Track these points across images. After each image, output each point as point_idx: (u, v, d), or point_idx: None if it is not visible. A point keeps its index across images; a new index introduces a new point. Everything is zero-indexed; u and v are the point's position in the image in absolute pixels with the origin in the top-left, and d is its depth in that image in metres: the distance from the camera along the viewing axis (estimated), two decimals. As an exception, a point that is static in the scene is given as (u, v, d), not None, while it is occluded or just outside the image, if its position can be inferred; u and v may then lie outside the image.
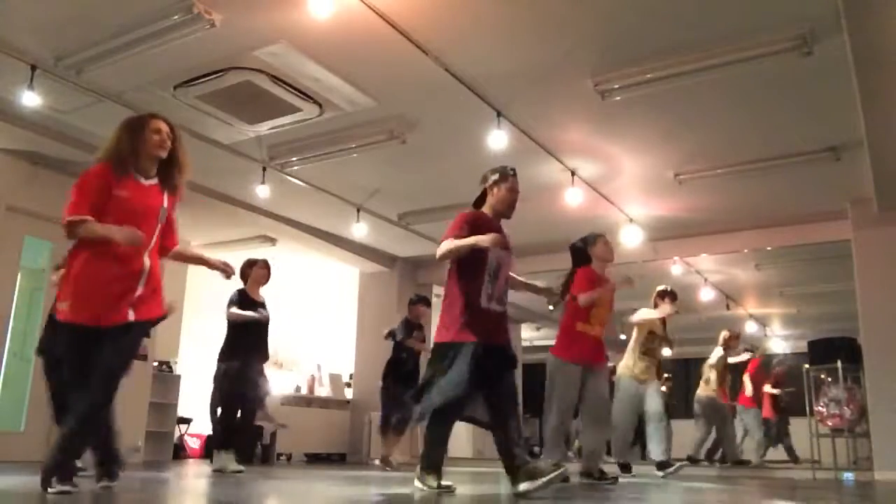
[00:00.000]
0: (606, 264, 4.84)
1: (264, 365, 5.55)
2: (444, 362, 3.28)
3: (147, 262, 3.02)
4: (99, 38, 4.48)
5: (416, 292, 7.27)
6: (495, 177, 3.57)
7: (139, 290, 2.97)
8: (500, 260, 3.44)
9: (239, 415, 5.40)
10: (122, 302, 2.93)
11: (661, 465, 5.73)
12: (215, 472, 5.11)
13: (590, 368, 4.64)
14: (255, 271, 5.62)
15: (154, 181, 3.10)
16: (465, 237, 3.33)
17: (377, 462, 6.93)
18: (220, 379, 5.36)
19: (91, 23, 4.36)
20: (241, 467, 5.26)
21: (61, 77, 4.89)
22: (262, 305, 5.60)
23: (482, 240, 3.26)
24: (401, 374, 6.53)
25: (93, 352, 2.89)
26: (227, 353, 5.43)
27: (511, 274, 3.65)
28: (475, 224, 3.40)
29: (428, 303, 6.85)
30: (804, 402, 7.08)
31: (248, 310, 5.46)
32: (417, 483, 3.42)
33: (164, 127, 3.09)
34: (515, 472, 3.27)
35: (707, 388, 7.82)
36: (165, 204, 3.13)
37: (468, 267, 3.40)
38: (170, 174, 3.13)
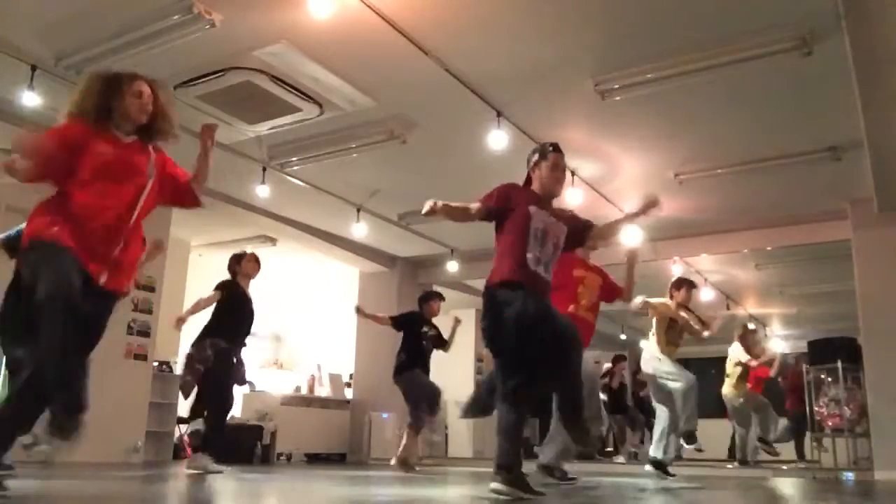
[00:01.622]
0: (590, 252, 4.78)
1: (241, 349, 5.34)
2: (497, 307, 3.13)
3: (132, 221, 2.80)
4: (99, 38, 4.48)
5: (426, 290, 7.03)
6: (535, 157, 3.47)
7: (116, 251, 2.75)
8: (547, 226, 3.31)
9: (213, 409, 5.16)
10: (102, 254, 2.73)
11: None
12: (196, 474, 4.86)
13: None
14: (245, 265, 5.43)
15: (133, 138, 2.87)
16: (491, 206, 3.27)
17: (392, 463, 6.45)
18: (204, 358, 5.09)
19: (91, 23, 4.36)
20: (221, 468, 5.00)
21: (61, 77, 4.89)
22: (250, 298, 5.42)
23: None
24: (422, 363, 6.29)
25: None
26: (213, 331, 5.18)
27: (604, 225, 3.61)
28: (507, 195, 3.31)
29: (442, 297, 6.63)
30: (804, 402, 7.09)
31: (242, 302, 5.29)
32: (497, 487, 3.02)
33: (147, 90, 2.86)
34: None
35: (727, 386, 7.79)
36: (153, 157, 2.90)
37: (512, 225, 3.27)
38: (153, 132, 2.91)
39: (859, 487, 5.27)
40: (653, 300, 5.60)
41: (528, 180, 3.49)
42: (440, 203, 3.12)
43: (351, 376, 9.66)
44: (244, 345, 5.38)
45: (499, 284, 3.17)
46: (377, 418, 8.82)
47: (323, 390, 9.54)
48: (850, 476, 6.41)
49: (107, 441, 6.30)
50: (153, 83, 2.93)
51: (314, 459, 8.72)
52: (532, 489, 3.04)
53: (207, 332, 5.23)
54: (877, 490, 5.00)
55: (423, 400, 6.18)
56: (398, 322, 6.50)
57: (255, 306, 5.51)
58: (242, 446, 7.61)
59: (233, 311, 5.28)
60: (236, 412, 8.43)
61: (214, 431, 5.14)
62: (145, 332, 6.88)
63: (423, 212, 3.14)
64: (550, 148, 3.46)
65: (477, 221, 3.33)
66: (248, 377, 5.60)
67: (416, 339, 6.36)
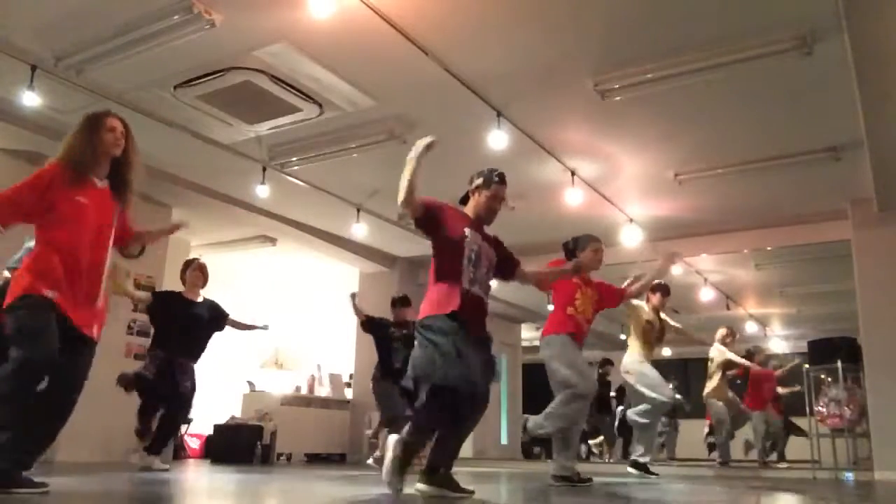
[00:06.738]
0: (591, 271, 4.70)
1: (193, 364, 5.38)
2: (428, 335, 3.12)
3: (105, 266, 3.00)
4: (99, 38, 4.48)
5: (404, 293, 7.04)
6: (479, 181, 3.43)
7: (100, 301, 2.97)
8: (479, 250, 3.32)
9: (161, 411, 5.30)
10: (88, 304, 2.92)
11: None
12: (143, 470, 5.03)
13: (579, 347, 4.60)
14: (189, 273, 5.49)
15: (106, 184, 3.08)
16: (427, 203, 3.26)
17: (370, 462, 6.75)
18: (145, 366, 5.30)
19: (91, 23, 4.36)
20: (166, 466, 5.19)
21: (61, 77, 4.90)
22: (195, 305, 5.41)
23: (419, 143, 3.29)
24: (388, 370, 6.42)
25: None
26: (153, 344, 5.38)
27: (529, 270, 3.63)
28: (438, 208, 3.31)
29: (408, 303, 6.66)
30: (804, 402, 7.08)
31: (176, 309, 5.32)
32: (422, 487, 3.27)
33: (119, 125, 3.08)
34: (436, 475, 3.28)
35: (709, 388, 7.79)
36: (117, 207, 3.11)
37: (446, 253, 3.29)
38: (121, 174, 3.10)
39: (859, 487, 5.27)
40: (634, 301, 5.67)
41: (466, 199, 3.49)
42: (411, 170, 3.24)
43: (351, 376, 9.66)
44: (191, 355, 5.36)
45: (435, 316, 3.15)
46: (377, 418, 8.80)
47: (323, 390, 9.54)
48: (850, 476, 6.41)
49: (106, 441, 6.31)
50: (125, 123, 3.12)
51: (314, 459, 8.72)
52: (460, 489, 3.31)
53: (152, 343, 5.38)
54: (877, 490, 5.00)
55: (386, 415, 6.54)
56: (367, 325, 6.61)
57: (226, 309, 5.56)
58: (242, 446, 7.60)
59: (167, 320, 5.32)
60: (236, 412, 8.44)
61: (160, 433, 5.27)
62: (145, 333, 6.87)
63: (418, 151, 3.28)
64: (496, 178, 3.41)
65: (412, 221, 3.32)
66: (194, 389, 5.43)
67: (382, 344, 6.57)
